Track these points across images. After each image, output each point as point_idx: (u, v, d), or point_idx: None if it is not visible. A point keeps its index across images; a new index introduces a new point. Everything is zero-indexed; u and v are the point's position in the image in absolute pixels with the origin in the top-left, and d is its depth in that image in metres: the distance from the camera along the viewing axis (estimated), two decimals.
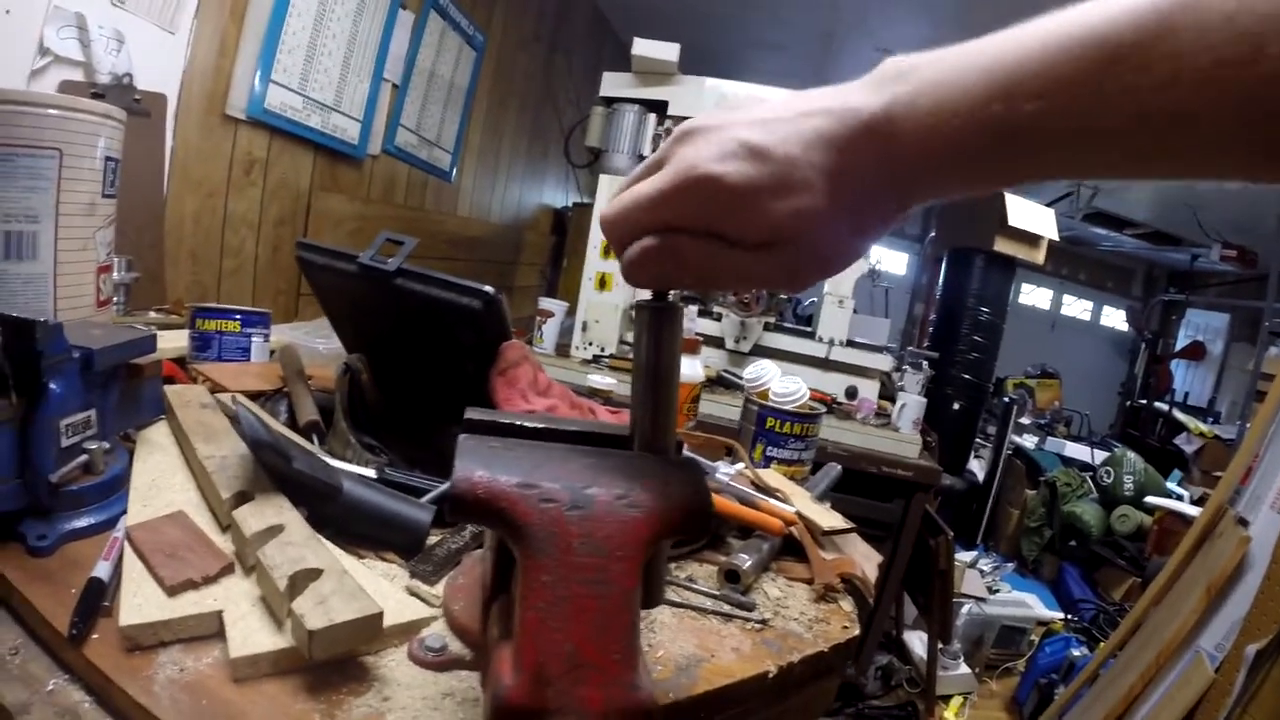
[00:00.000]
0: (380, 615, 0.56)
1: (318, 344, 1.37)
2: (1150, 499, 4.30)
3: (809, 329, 2.60)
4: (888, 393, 2.63)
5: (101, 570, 0.57)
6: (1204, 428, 6.03)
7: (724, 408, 2.14)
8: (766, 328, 2.52)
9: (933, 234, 5.79)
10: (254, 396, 1.02)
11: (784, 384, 1.41)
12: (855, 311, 2.54)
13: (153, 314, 1.55)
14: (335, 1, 2.14)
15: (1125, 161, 0.36)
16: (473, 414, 0.49)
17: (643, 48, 2.35)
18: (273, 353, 1.26)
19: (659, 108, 2.47)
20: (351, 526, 0.72)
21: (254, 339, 1.23)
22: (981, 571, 3.88)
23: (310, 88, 2.12)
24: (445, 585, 0.68)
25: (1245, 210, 5.39)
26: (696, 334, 2.23)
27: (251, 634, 0.54)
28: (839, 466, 1.25)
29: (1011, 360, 6.03)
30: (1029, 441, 5.74)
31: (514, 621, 0.40)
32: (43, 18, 1.38)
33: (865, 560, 0.96)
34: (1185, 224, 6.63)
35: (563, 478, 0.42)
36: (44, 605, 0.55)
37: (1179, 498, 4.42)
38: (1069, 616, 3.71)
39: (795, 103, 0.42)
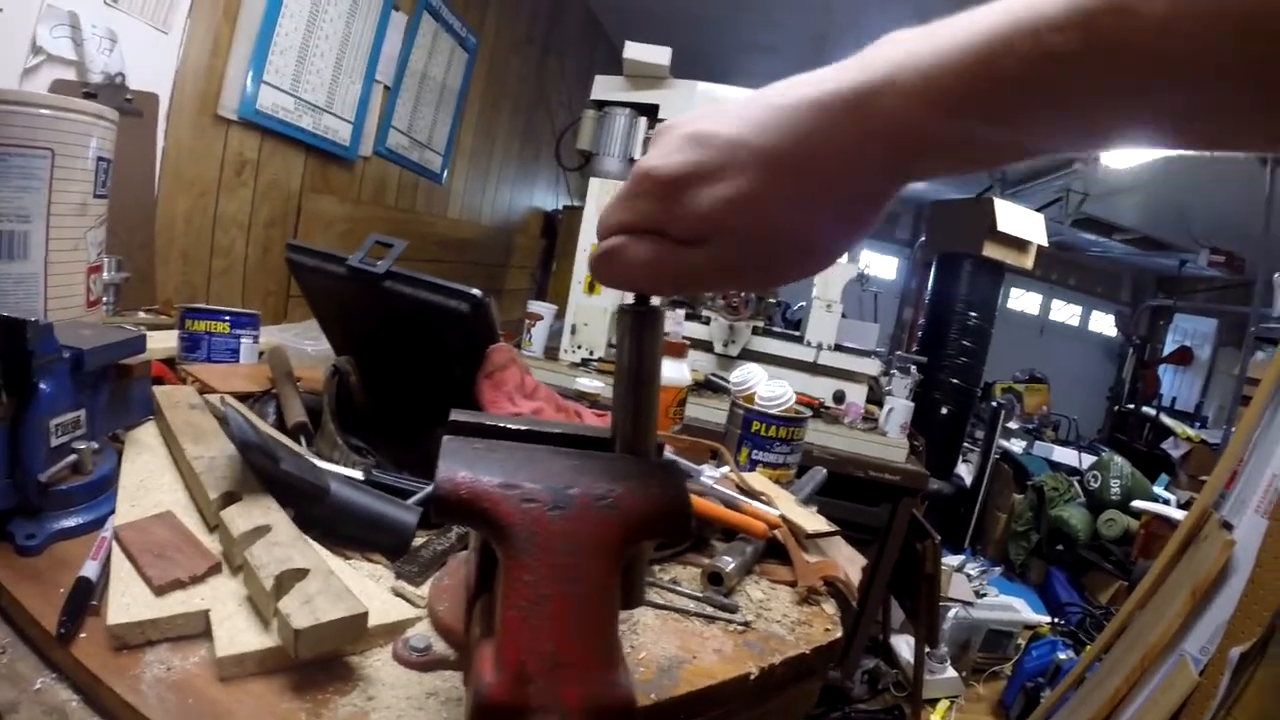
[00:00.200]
0: (366, 615, 0.56)
1: (306, 346, 1.37)
2: (1137, 503, 4.33)
3: (797, 333, 2.61)
4: (875, 397, 2.64)
5: (89, 570, 0.58)
6: (1191, 432, 6.07)
7: (711, 411, 2.14)
8: (755, 331, 2.52)
9: (922, 238, 5.82)
10: (243, 398, 1.03)
11: (770, 388, 1.42)
12: (844, 316, 2.55)
13: (142, 314, 1.55)
14: (328, 2, 2.14)
15: (1128, 116, 0.32)
16: (457, 415, 0.50)
17: (634, 51, 2.36)
18: (262, 354, 1.27)
19: (650, 111, 2.47)
20: (338, 527, 0.73)
21: (243, 340, 1.23)
22: (969, 575, 3.91)
23: (302, 89, 2.12)
24: (430, 586, 0.68)
25: (1233, 215, 5.42)
26: (684, 337, 2.23)
27: (238, 633, 0.55)
28: (824, 470, 1.26)
29: (1000, 365, 6.05)
30: (1017, 446, 5.77)
31: (496, 620, 0.40)
32: (36, 16, 1.38)
33: (849, 563, 0.97)
34: (1173, 230, 6.67)
35: (544, 478, 0.43)
36: (32, 604, 0.55)
37: (1166, 502, 4.44)
38: (1056, 620, 3.73)
39: (774, 87, 0.40)
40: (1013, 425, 6.36)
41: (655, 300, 0.48)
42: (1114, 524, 4.39)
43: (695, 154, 0.40)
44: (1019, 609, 3.67)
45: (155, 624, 0.54)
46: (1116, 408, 8.47)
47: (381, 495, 0.76)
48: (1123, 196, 6.04)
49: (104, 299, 1.23)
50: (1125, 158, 4.94)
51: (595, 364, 2.42)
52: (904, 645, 3.05)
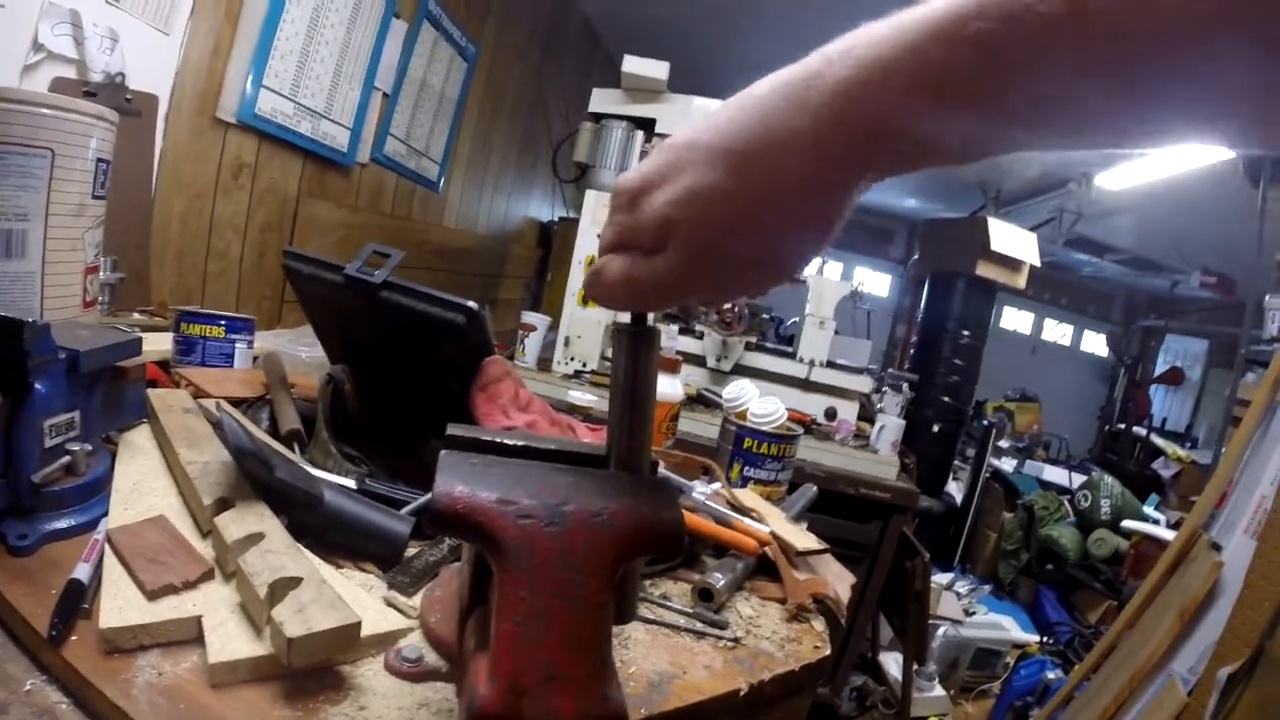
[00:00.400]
0: (358, 625, 0.57)
1: (301, 351, 1.37)
2: (1127, 523, 4.34)
3: (790, 349, 2.62)
4: (867, 414, 2.65)
5: (81, 572, 0.58)
6: (1182, 453, 6.09)
7: (704, 426, 2.14)
8: (748, 347, 2.53)
9: (916, 257, 5.84)
10: (237, 403, 1.03)
11: (762, 405, 1.43)
12: (837, 333, 2.56)
13: (136, 315, 1.55)
14: (329, 8, 2.14)
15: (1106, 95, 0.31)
16: (454, 430, 0.50)
17: (633, 65, 2.37)
18: (256, 359, 1.27)
19: (647, 125, 2.49)
20: (331, 536, 0.73)
21: (238, 345, 1.23)
22: (958, 593, 3.90)
23: (301, 94, 2.12)
24: (422, 597, 0.68)
25: (1225, 238, 5.45)
26: (677, 352, 2.24)
27: (230, 640, 0.55)
28: (815, 488, 1.26)
29: (992, 383, 6.08)
30: (1007, 465, 5.78)
31: (490, 633, 0.41)
32: (38, 13, 1.38)
33: (838, 581, 0.97)
34: (1166, 251, 6.71)
35: (540, 494, 0.43)
36: (23, 605, 0.55)
37: (1156, 522, 4.45)
38: (1045, 639, 3.73)
39: (750, 88, 0.40)
40: (1004, 444, 6.38)
41: (651, 319, 0.48)
42: (1104, 543, 4.40)
43: (653, 160, 0.40)
44: (1008, 627, 3.67)
45: (147, 629, 0.54)
46: (1107, 427, 8.49)
47: (375, 505, 0.76)
48: (1116, 217, 6.07)
49: (99, 299, 1.23)
50: (1119, 179, 4.97)
51: (588, 376, 2.43)
52: (893, 663, 3.05)
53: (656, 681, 0.66)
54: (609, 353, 2.44)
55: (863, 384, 2.54)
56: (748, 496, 1.14)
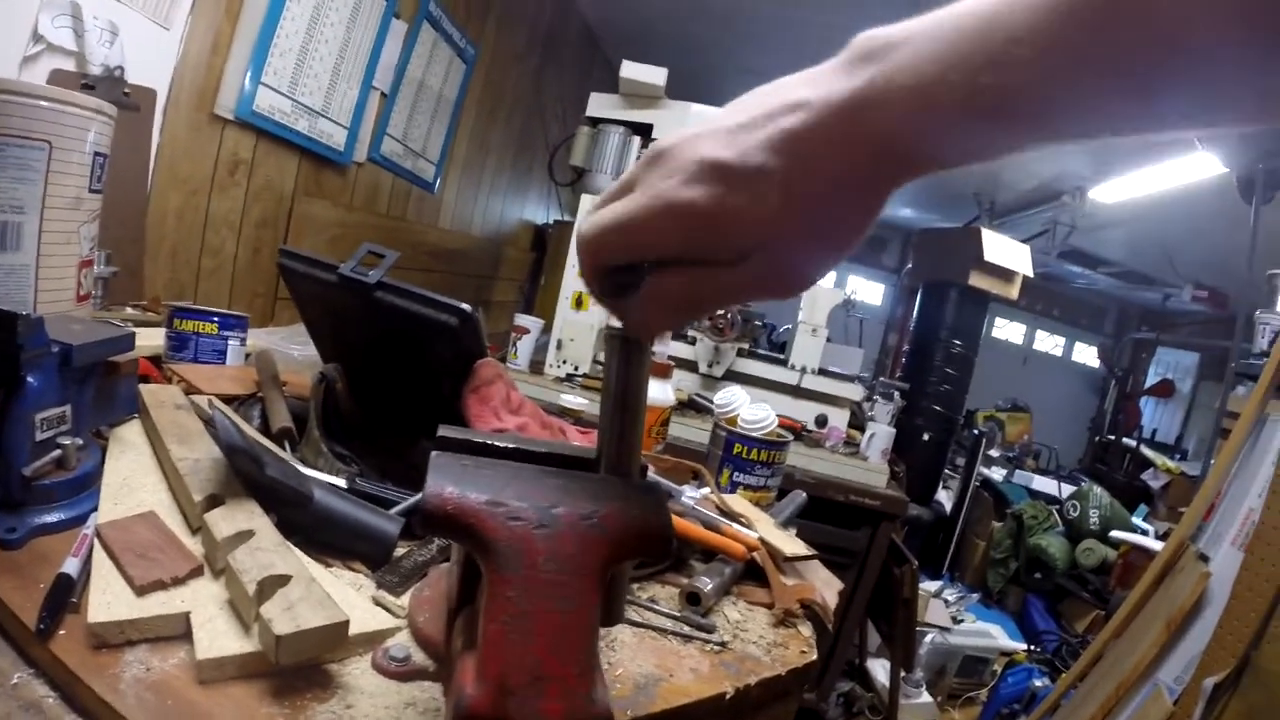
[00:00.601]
0: (346, 623, 0.57)
1: (293, 350, 1.37)
2: (1115, 533, 4.36)
3: (782, 356, 2.62)
4: (858, 422, 2.65)
5: (70, 566, 0.58)
6: (1171, 464, 6.11)
7: (695, 431, 2.15)
8: (740, 353, 2.53)
9: (909, 265, 5.85)
10: (228, 400, 1.03)
11: (752, 411, 1.43)
12: (829, 340, 2.56)
13: (129, 310, 1.55)
14: (330, 7, 2.15)
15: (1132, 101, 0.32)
16: (445, 431, 0.51)
17: (631, 70, 2.38)
18: (248, 356, 1.26)
19: (644, 130, 2.49)
20: (321, 535, 0.73)
21: (231, 342, 1.23)
22: (946, 601, 3.92)
23: (300, 92, 2.12)
24: (411, 597, 0.69)
25: (1217, 252, 5.48)
26: (669, 358, 2.24)
27: (219, 637, 0.55)
28: (804, 494, 1.27)
29: (983, 393, 6.08)
30: (997, 474, 5.79)
31: (478, 633, 0.41)
32: (38, 4, 1.38)
33: (826, 587, 0.97)
34: (1158, 264, 6.74)
35: (530, 497, 0.43)
36: (11, 599, 0.55)
37: (1144, 533, 4.47)
38: (1032, 647, 3.75)
39: (768, 100, 0.41)
40: (994, 453, 6.39)
41: None
42: (1092, 553, 4.42)
43: (724, 184, 0.40)
44: (996, 636, 3.68)
45: (135, 624, 0.54)
46: (1097, 438, 8.53)
47: (364, 504, 0.76)
48: (1109, 231, 6.10)
49: (94, 294, 1.23)
50: (1113, 193, 4.99)
51: (580, 379, 2.43)
52: (880, 669, 3.05)
53: (643, 684, 0.66)
54: (601, 356, 2.44)
55: (854, 392, 2.54)
56: (737, 502, 1.14)
